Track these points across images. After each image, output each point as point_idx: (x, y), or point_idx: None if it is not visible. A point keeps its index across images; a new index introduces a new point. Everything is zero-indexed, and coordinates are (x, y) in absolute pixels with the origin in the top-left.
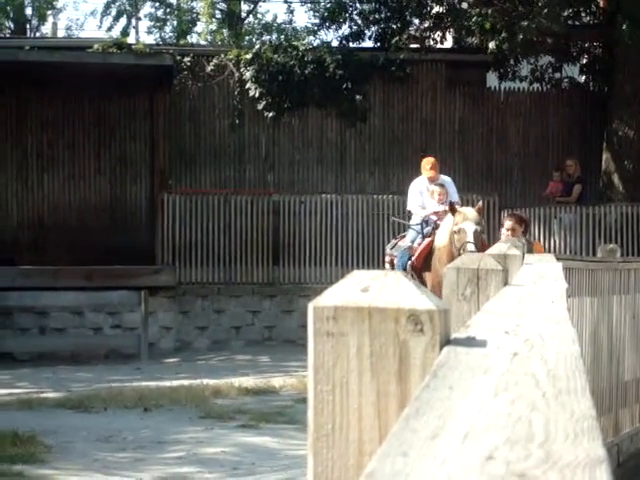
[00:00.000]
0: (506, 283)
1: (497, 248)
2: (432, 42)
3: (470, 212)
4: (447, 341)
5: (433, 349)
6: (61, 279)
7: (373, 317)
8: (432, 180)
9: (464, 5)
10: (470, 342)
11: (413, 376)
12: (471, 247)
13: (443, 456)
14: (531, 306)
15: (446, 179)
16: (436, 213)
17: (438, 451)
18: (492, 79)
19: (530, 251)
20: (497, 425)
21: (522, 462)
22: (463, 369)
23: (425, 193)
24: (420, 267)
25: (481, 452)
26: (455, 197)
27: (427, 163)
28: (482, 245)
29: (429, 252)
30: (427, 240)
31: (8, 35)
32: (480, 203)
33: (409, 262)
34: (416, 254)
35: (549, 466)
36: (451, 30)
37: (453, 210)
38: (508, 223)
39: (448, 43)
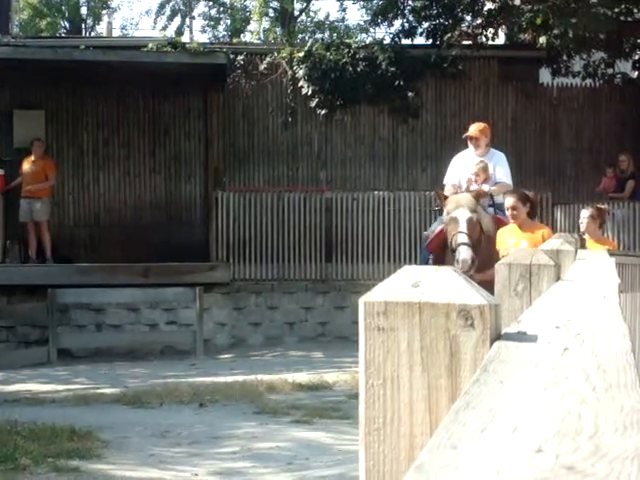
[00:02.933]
0: (558, 278)
1: (550, 244)
2: (484, 39)
3: (464, 197)
4: (498, 336)
5: (484, 344)
6: (117, 276)
7: (424, 312)
8: (476, 145)
9: (516, 1)
10: (521, 337)
11: (463, 370)
12: (462, 238)
13: (492, 449)
14: (583, 301)
15: (497, 154)
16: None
17: (487, 444)
18: (545, 75)
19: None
20: (546, 419)
21: (571, 455)
22: (513, 363)
23: (467, 169)
24: (442, 261)
25: (530, 445)
26: (504, 179)
27: (472, 125)
28: (481, 235)
29: (444, 242)
30: (439, 227)
31: (64, 35)
32: (479, 187)
33: (430, 257)
34: (427, 243)
35: (597, 458)
36: (503, 26)
37: (441, 197)
38: (509, 200)
39: (500, 39)
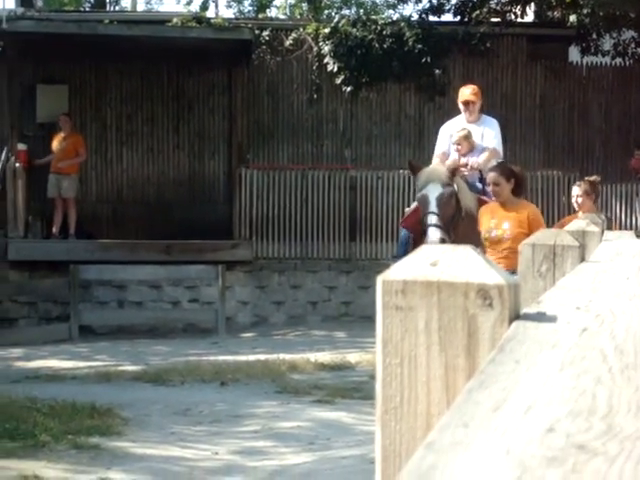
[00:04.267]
0: (583, 260)
1: (576, 224)
2: (513, 16)
3: (436, 170)
4: (517, 316)
5: (502, 324)
6: (140, 253)
7: (442, 291)
8: (468, 110)
9: None
10: (540, 317)
11: (482, 350)
12: (432, 219)
13: (504, 428)
14: (605, 282)
15: (488, 119)
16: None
17: (499, 423)
18: (574, 54)
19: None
20: (561, 398)
21: (583, 434)
22: (530, 343)
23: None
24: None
25: (542, 424)
26: (492, 144)
27: (466, 87)
28: (456, 213)
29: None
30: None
31: (88, 9)
32: (454, 160)
33: (410, 236)
34: (403, 220)
35: (609, 438)
36: (532, 4)
37: (413, 168)
38: (491, 175)
39: (529, 17)
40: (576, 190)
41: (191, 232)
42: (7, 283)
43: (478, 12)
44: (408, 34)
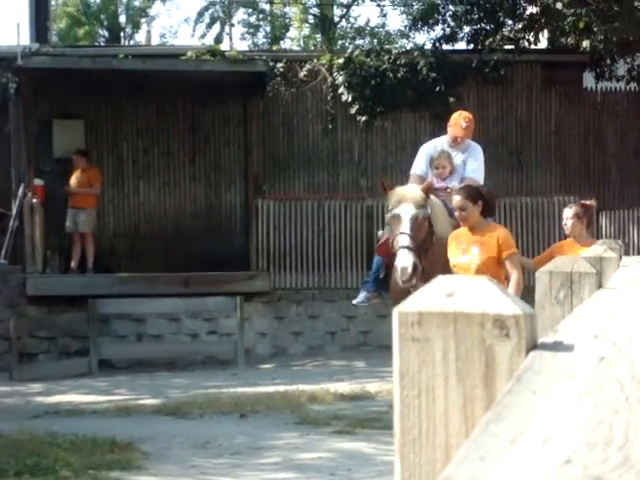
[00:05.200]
0: (600, 286)
1: (593, 250)
2: (526, 43)
3: (410, 190)
4: (534, 345)
5: (519, 354)
6: (158, 286)
7: (458, 322)
8: (457, 142)
9: (558, 5)
10: (557, 346)
11: (499, 381)
12: (404, 240)
13: (521, 460)
14: (623, 309)
15: (472, 146)
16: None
17: (516, 455)
18: (588, 79)
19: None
20: (578, 429)
21: (599, 465)
22: (548, 373)
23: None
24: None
25: (560, 456)
26: (473, 174)
27: (462, 117)
28: (429, 237)
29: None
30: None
31: (102, 43)
32: (430, 178)
33: (383, 262)
34: (378, 246)
35: (625, 469)
36: (545, 31)
37: (385, 187)
38: (455, 199)
39: (542, 44)
40: (567, 212)
41: (209, 264)
42: (26, 318)
43: (491, 40)
44: (422, 63)
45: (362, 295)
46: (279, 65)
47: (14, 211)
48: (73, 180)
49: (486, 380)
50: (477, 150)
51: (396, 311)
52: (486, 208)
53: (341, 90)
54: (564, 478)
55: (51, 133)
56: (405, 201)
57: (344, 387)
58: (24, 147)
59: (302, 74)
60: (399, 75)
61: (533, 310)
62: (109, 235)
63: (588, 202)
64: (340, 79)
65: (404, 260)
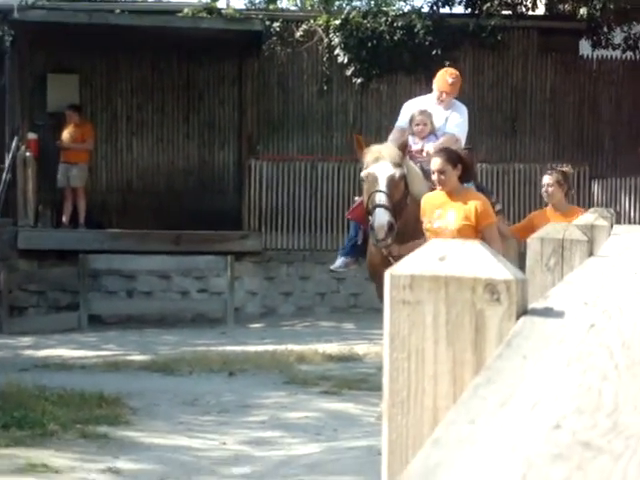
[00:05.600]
0: (591, 254)
1: (584, 218)
2: (524, 9)
3: (387, 148)
4: (524, 311)
5: (509, 319)
6: (149, 243)
7: (450, 286)
8: (442, 98)
9: None
10: (547, 312)
11: (489, 345)
12: (380, 198)
13: (510, 424)
14: (613, 277)
15: (457, 104)
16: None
17: (505, 419)
18: (585, 47)
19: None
20: (567, 395)
21: (588, 431)
22: (537, 339)
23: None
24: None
25: (548, 421)
26: (454, 129)
27: (449, 74)
28: (405, 197)
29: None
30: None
31: None
32: (404, 139)
33: (359, 227)
34: (351, 210)
35: (614, 435)
36: None
37: (360, 144)
38: (435, 162)
39: (540, 10)
40: (547, 179)
41: (200, 222)
42: (16, 272)
43: (489, 5)
44: (419, 26)
45: (340, 260)
46: (275, 25)
47: (7, 164)
48: (65, 135)
49: (476, 344)
50: (462, 109)
51: (388, 274)
52: (465, 173)
53: (337, 51)
54: (553, 443)
55: (45, 87)
56: (382, 159)
57: (332, 348)
58: (18, 101)
59: (298, 34)
60: (395, 38)
61: (525, 276)
62: (101, 190)
63: (565, 168)
64: (336, 40)
65: (380, 218)
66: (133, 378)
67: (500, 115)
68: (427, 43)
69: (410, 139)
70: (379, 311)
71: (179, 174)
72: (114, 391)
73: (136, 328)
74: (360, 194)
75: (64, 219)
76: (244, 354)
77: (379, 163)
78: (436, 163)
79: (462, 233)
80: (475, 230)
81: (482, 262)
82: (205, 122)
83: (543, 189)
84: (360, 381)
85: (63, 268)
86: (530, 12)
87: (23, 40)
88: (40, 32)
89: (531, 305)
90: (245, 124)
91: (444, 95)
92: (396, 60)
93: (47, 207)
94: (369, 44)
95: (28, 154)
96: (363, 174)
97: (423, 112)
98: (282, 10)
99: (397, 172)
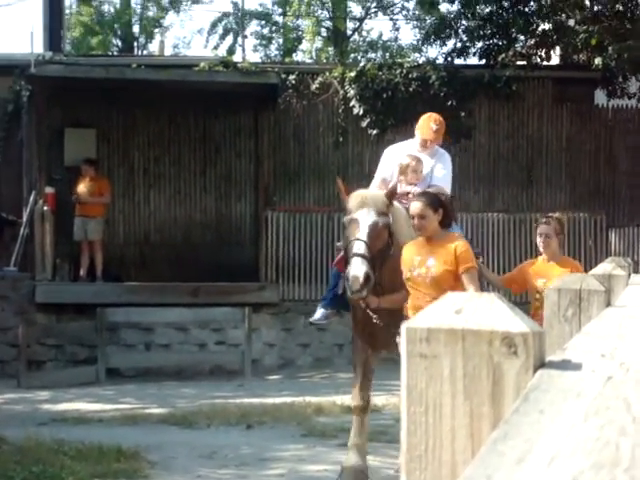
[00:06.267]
0: (609, 304)
1: (602, 268)
2: (538, 59)
3: (372, 195)
4: (542, 364)
5: (527, 372)
6: (167, 295)
7: (466, 339)
8: (426, 146)
9: (571, 22)
10: (565, 365)
11: (507, 399)
12: (359, 247)
13: None
14: (631, 328)
15: (440, 152)
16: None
17: (523, 475)
18: (600, 96)
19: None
20: (584, 449)
21: None
22: (555, 392)
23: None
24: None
25: (566, 477)
26: (441, 183)
27: (433, 120)
28: (389, 247)
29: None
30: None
31: (116, 53)
32: (394, 184)
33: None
34: (336, 260)
35: None
36: (557, 47)
37: (342, 190)
38: (415, 206)
39: (554, 60)
40: (544, 229)
41: (218, 274)
42: (35, 326)
43: (504, 55)
44: (434, 77)
45: (319, 312)
46: (291, 77)
47: (25, 218)
48: (82, 189)
49: (493, 398)
50: (446, 157)
51: (404, 327)
52: (445, 217)
53: (352, 103)
54: None
55: (63, 141)
56: (366, 205)
57: (350, 400)
58: (36, 155)
59: (314, 87)
60: (411, 89)
61: (541, 328)
62: (119, 243)
63: (560, 215)
64: (352, 92)
65: (356, 269)
66: (151, 431)
67: (516, 165)
68: (442, 94)
69: (397, 183)
70: (397, 362)
71: (196, 226)
72: (132, 445)
73: (154, 381)
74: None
75: (81, 272)
76: (262, 406)
77: (363, 210)
78: (416, 207)
79: (443, 279)
80: (456, 275)
81: (499, 315)
82: (222, 175)
83: (539, 239)
84: (379, 433)
85: (81, 322)
86: (545, 62)
87: (40, 95)
88: (57, 87)
89: (548, 358)
90: (261, 176)
91: (428, 143)
92: (411, 111)
93: (64, 261)
94: (384, 95)
95: (46, 208)
96: (345, 220)
97: (416, 159)
98: (298, 63)
99: (380, 221)
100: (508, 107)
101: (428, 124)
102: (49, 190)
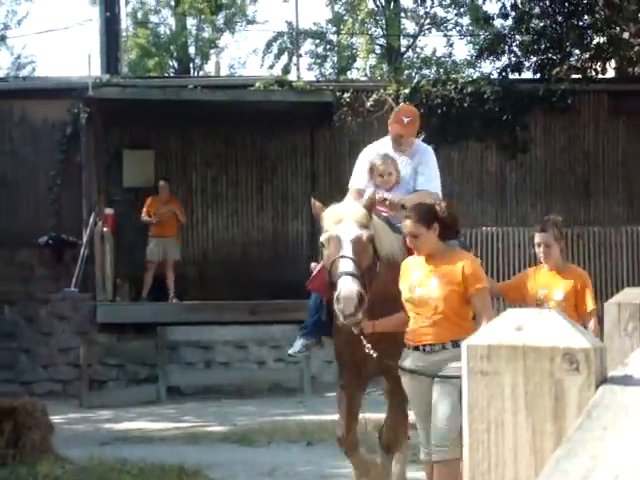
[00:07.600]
0: None
1: None
2: (593, 72)
3: (350, 208)
4: (603, 379)
5: (589, 388)
6: (225, 313)
7: (528, 356)
8: (399, 142)
9: (625, 35)
10: (627, 380)
11: (569, 415)
12: (347, 265)
13: None
14: None
15: (422, 149)
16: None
17: None
18: None
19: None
20: None
21: None
22: (618, 409)
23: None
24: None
25: None
26: (426, 185)
27: (403, 112)
28: (375, 263)
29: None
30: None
31: (172, 74)
32: (371, 193)
33: (321, 299)
34: (309, 281)
35: None
36: (612, 60)
37: (316, 208)
38: (406, 225)
39: (609, 73)
40: (542, 237)
41: (275, 292)
42: (96, 346)
43: (558, 69)
44: (488, 92)
45: (298, 343)
46: (346, 95)
47: (84, 240)
48: (158, 206)
49: (555, 414)
50: (428, 154)
51: (465, 344)
52: (445, 229)
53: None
54: None
55: (121, 163)
56: (345, 220)
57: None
58: (95, 176)
59: (369, 104)
60: (465, 105)
61: (603, 344)
62: (179, 263)
63: (554, 217)
64: None
65: (347, 289)
66: (212, 449)
67: (573, 178)
68: (497, 109)
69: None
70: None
71: (253, 245)
72: (194, 463)
73: (214, 399)
74: (319, 260)
75: (144, 292)
76: (322, 423)
77: (342, 224)
78: (405, 227)
79: (449, 302)
80: (463, 297)
81: (559, 331)
82: (278, 193)
83: (538, 249)
84: None
85: (141, 341)
86: (600, 76)
87: (98, 117)
88: (115, 109)
89: (610, 373)
90: (317, 194)
91: (401, 139)
92: (466, 127)
93: (124, 281)
94: (439, 111)
95: (105, 229)
96: (323, 238)
97: (386, 158)
98: (352, 80)
99: (364, 234)
100: (563, 121)
101: (399, 117)
102: (108, 211)
